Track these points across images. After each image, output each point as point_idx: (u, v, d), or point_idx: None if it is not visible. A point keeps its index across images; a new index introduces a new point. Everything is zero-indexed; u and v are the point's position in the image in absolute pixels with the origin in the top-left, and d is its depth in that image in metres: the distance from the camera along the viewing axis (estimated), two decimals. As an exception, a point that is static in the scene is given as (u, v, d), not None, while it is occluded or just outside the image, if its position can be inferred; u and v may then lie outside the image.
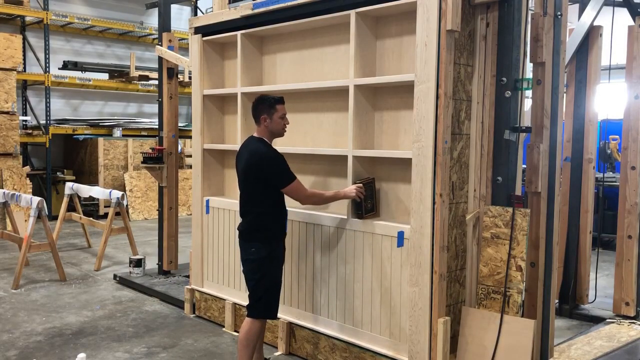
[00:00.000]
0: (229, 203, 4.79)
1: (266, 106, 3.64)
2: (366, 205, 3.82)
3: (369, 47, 3.90)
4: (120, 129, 11.22)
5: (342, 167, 4.04)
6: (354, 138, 3.85)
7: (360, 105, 3.87)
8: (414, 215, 3.44)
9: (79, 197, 7.86)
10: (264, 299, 3.63)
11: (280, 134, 3.74)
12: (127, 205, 9.24)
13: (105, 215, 9.10)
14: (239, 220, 4.71)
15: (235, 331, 4.72)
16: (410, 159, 3.48)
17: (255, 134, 3.73)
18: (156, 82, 8.01)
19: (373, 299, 3.78)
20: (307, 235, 4.18)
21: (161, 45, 6.25)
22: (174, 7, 10.40)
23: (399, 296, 3.62)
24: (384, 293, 3.71)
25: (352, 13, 3.78)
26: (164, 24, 6.40)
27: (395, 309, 3.65)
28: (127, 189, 10.65)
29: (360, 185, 3.76)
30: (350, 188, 3.76)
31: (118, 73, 11.47)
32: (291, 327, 4.29)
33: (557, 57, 3.58)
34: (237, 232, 3.76)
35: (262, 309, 3.65)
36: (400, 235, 3.58)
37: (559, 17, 3.57)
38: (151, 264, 6.65)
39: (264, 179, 3.56)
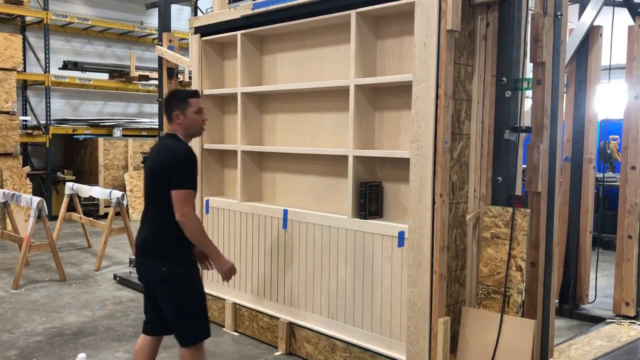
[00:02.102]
0: (229, 203, 4.79)
1: (178, 101, 3.24)
2: (370, 207, 3.82)
3: (370, 47, 3.90)
4: (120, 129, 11.22)
5: (343, 167, 4.04)
6: (355, 138, 3.85)
7: (360, 105, 3.87)
8: (412, 215, 3.44)
9: (79, 197, 7.86)
10: (198, 321, 3.18)
11: (198, 132, 3.32)
12: (127, 205, 9.24)
13: (105, 215, 9.11)
14: (239, 219, 4.75)
15: (236, 331, 4.72)
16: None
17: (169, 131, 3.32)
18: (156, 82, 8.03)
19: (373, 299, 3.78)
20: (307, 235, 4.18)
21: (161, 45, 6.25)
22: (174, 7, 10.41)
23: (400, 296, 3.62)
24: (384, 293, 3.71)
25: (352, 13, 3.78)
26: (164, 24, 6.40)
27: (395, 309, 3.65)
28: (127, 189, 10.65)
29: (234, 272, 3.28)
30: (227, 264, 3.24)
31: (118, 73, 11.47)
32: (291, 327, 4.29)
33: (557, 57, 3.59)
34: (138, 245, 3.20)
35: (200, 332, 3.21)
36: (401, 235, 3.58)
37: (559, 17, 3.57)
38: (151, 264, 6.63)
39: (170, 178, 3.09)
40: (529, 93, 3.67)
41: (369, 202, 3.80)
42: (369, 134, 3.96)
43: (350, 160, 3.86)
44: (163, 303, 3.16)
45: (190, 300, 3.15)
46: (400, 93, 3.79)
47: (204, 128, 3.35)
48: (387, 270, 3.69)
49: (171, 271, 3.07)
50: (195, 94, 3.30)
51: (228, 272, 3.24)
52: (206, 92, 4.99)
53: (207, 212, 5.01)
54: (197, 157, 3.17)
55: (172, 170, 3.04)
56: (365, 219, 3.81)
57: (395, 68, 3.84)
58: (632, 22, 4.94)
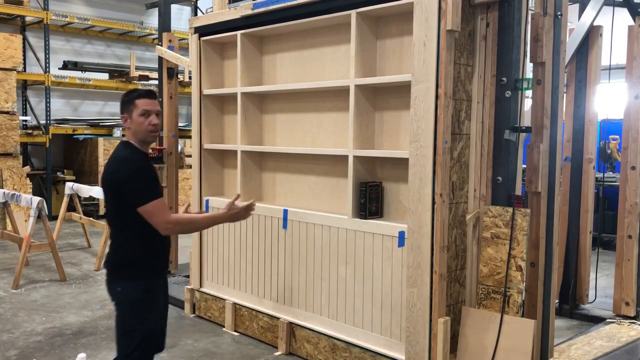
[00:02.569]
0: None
1: (126, 102, 2.89)
2: (370, 207, 3.82)
3: (370, 47, 3.90)
4: (121, 129, 11.20)
5: (343, 167, 4.04)
6: (355, 138, 3.85)
7: (360, 105, 3.87)
8: (411, 215, 3.43)
9: (79, 197, 7.85)
10: (136, 355, 2.85)
11: (145, 137, 2.88)
12: (127, 205, 9.23)
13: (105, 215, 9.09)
14: (239, 220, 4.74)
15: (236, 331, 4.72)
16: (411, 159, 3.48)
17: (125, 138, 2.97)
18: (156, 82, 8.03)
19: (374, 298, 3.78)
20: (308, 235, 4.18)
21: (161, 45, 6.25)
22: (174, 7, 10.40)
23: (400, 296, 3.62)
24: (384, 293, 3.71)
25: (352, 13, 3.78)
26: (164, 24, 6.41)
27: (395, 309, 3.65)
28: (127, 189, 10.63)
29: (251, 203, 3.06)
30: (238, 214, 3.00)
31: (118, 73, 11.47)
32: (291, 327, 4.29)
33: (557, 57, 3.58)
34: (104, 267, 3.00)
35: None
36: (401, 235, 3.58)
37: (559, 17, 3.57)
38: (151, 264, 6.64)
39: (124, 195, 2.77)
40: (529, 93, 3.66)
41: (369, 202, 3.80)
42: (369, 134, 3.96)
43: (350, 160, 3.86)
44: (115, 325, 2.91)
45: (141, 330, 2.83)
46: (401, 93, 3.78)
47: (154, 134, 2.90)
48: (387, 270, 3.69)
49: (124, 292, 2.85)
50: (146, 94, 2.89)
51: (246, 214, 3.02)
52: (206, 92, 4.99)
53: (207, 212, 5.01)
54: (147, 163, 2.86)
55: (126, 187, 2.75)
56: (366, 219, 3.81)
57: (395, 68, 3.84)
58: (632, 22, 4.93)
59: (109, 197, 2.85)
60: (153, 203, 2.74)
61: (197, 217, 3.00)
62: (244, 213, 3.03)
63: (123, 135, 11.09)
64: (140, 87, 11.38)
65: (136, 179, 2.75)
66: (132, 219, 2.77)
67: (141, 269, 2.86)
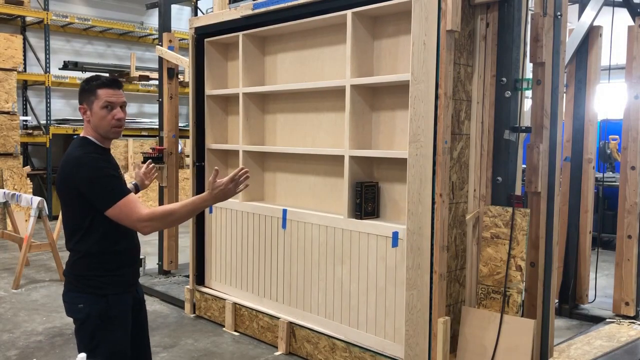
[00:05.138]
0: (230, 203, 4.79)
1: (85, 91, 2.57)
2: (366, 207, 3.82)
3: (366, 47, 3.90)
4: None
5: (341, 167, 4.04)
6: (351, 138, 3.86)
7: (357, 105, 3.88)
8: (410, 216, 3.43)
9: (79, 197, 7.84)
10: None
11: (107, 133, 2.56)
12: (127, 205, 9.22)
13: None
14: (239, 219, 4.76)
15: (236, 331, 4.73)
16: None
17: (82, 132, 2.66)
18: (156, 82, 8.04)
19: (369, 299, 3.78)
20: (306, 235, 4.18)
21: (161, 46, 6.25)
22: (174, 7, 10.40)
23: (394, 296, 3.62)
24: (378, 293, 3.71)
25: (348, 13, 3.79)
26: (164, 24, 6.41)
27: (390, 310, 3.65)
28: (127, 189, 10.63)
29: (238, 170, 2.53)
30: (223, 192, 2.50)
31: (118, 73, 11.47)
32: (291, 326, 4.29)
33: (557, 57, 3.59)
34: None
35: None
36: (395, 235, 3.58)
37: (559, 17, 3.57)
38: (151, 263, 6.65)
39: (84, 199, 2.45)
40: (528, 93, 3.67)
41: (365, 202, 3.81)
42: (366, 134, 3.97)
43: (346, 160, 3.86)
44: (77, 345, 2.52)
45: (103, 351, 2.47)
46: (397, 93, 3.79)
47: (119, 130, 2.58)
48: (381, 270, 3.69)
49: (85, 309, 2.48)
50: (109, 82, 2.57)
51: (235, 187, 2.53)
52: (208, 92, 4.99)
53: (210, 211, 5.02)
54: (108, 160, 2.54)
55: (88, 191, 2.43)
56: (361, 219, 3.81)
57: (391, 68, 3.84)
58: (632, 22, 4.94)
59: (68, 201, 2.52)
60: (120, 203, 2.41)
61: (175, 207, 2.51)
62: (233, 188, 2.52)
63: (123, 136, 11.09)
64: (140, 87, 11.39)
65: (97, 180, 2.42)
66: (99, 225, 2.47)
67: (105, 282, 2.51)
